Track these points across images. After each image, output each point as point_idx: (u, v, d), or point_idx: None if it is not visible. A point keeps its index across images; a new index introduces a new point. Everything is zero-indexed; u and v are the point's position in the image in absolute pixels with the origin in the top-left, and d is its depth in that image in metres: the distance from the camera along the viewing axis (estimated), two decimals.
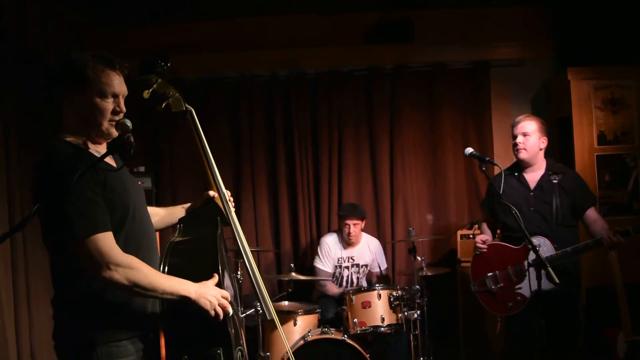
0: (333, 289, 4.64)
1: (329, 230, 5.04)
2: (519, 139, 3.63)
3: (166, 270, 1.97)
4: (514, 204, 3.62)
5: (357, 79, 5.24)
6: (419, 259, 4.24)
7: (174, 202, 4.60)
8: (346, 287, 4.67)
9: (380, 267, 4.77)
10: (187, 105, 2.28)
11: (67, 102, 1.97)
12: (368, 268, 4.74)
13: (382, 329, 3.95)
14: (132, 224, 1.97)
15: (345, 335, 3.93)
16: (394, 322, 3.98)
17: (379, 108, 5.19)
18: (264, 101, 5.21)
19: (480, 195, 4.98)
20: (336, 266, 4.72)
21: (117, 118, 1.97)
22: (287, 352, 3.30)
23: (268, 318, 2.29)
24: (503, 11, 5.16)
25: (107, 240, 1.84)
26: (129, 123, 1.89)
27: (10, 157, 3.62)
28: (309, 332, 3.96)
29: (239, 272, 4.02)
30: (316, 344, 3.89)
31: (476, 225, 4.73)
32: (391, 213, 5.16)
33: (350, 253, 4.72)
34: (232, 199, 2.37)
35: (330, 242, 4.75)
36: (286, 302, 4.37)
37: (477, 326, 4.66)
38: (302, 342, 3.88)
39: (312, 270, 4.81)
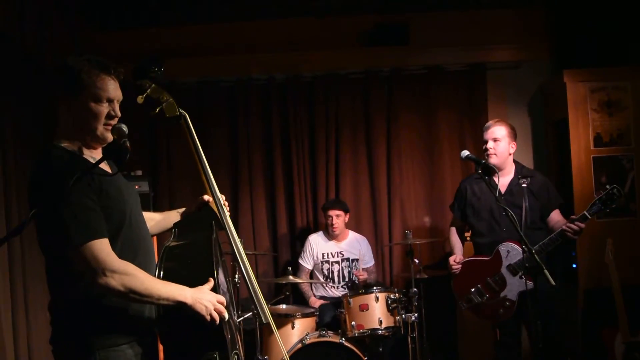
0: (314, 302, 4.64)
1: None
2: (490, 144, 3.67)
3: (162, 274, 1.97)
4: (485, 208, 3.71)
5: (353, 82, 5.24)
6: (416, 261, 4.24)
7: (171, 206, 4.63)
8: (338, 282, 4.70)
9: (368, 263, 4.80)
10: (181, 110, 2.28)
11: (63, 107, 1.98)
12: (359, 263, 4.74)
13: (380, 331, 3.96)
14: (128, 229, 1.97)
15: (343, 338, 3.94)
16: (392, 324, 3.99)
17: (376, 111, 5.19)
18: (261, 104, 5.22)
19: None
20: (323, 262, 4.74)
21: (112, 122, 1.97)
22: (284, 356, 3.31)
23: (264, 322, 2.29)
24: (499, 13, 5.16)
25: (103, 247, 1.84)
26: (124, 128, 1.90)
27: (7, 161, 3.61)
28: (306, 335, 3.97)
29: (235, 276, 4.02)
30: (314, 347, 3.91)
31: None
32: (388, 216, 5.16)
33: (339, 248, 4.75)
34: (227, 203, 2.37)
35: (313, 239, 4.82)
36: (284, 305, 4.39)
37: (474, 329, 4.67)
38: (299, 345, 3.90)
39: (309, 273, 4.83)
